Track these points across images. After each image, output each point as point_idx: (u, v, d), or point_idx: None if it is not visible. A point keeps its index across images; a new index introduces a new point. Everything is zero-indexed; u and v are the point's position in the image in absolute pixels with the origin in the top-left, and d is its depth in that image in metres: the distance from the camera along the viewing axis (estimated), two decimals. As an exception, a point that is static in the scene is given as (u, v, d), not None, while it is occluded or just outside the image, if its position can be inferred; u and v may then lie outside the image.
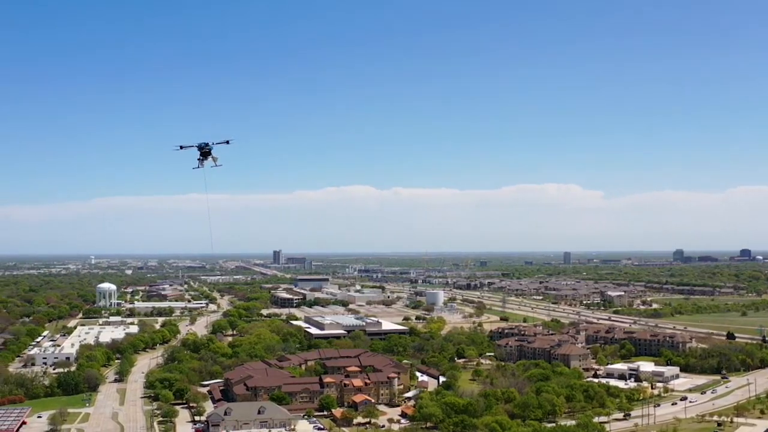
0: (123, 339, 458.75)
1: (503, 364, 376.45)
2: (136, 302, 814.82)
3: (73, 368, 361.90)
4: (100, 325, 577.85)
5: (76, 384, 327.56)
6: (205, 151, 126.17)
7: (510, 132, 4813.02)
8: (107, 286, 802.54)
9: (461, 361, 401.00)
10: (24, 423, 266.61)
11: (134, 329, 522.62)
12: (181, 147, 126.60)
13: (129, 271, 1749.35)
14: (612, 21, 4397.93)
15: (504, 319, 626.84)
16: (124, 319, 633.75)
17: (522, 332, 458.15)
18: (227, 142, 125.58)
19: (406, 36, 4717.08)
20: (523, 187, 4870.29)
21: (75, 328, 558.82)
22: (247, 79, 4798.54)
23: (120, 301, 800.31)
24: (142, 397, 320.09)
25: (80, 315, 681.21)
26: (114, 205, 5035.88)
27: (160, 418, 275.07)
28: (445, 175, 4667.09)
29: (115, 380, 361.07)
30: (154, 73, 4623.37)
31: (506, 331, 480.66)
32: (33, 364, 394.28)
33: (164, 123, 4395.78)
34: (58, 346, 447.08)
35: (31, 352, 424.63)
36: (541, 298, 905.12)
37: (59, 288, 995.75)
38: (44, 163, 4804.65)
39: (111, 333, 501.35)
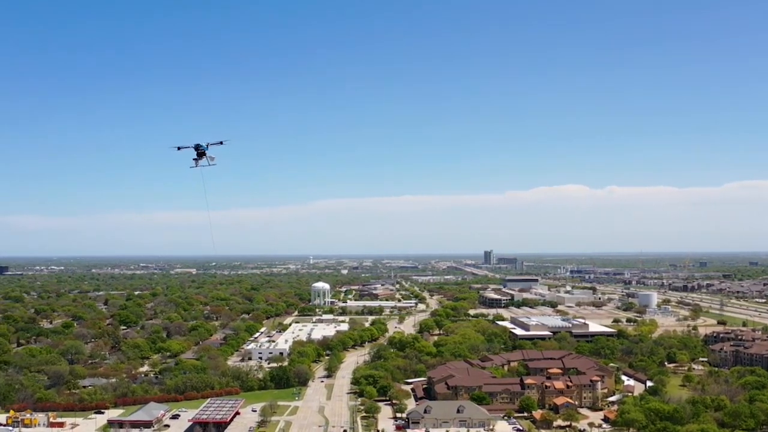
0: (333, 336, 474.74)
1: (716, 370, 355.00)
2: (348, 301, 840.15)
3: (285, 363, 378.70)
4: (313, 322, 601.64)
5: (287, 378, 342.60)
6: (200, 152, 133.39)
7: (737, 123, 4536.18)
8: (321, 285, 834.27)
9: (671, 365, 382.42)
10: (237, 413, 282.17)
11: (344, 327, 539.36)
12: (179, 148, 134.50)
13: (345, 271, 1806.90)
14: None
15: (721, 322, 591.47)
16: (336, 317, 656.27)
17: (739, 337, 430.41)
18: (221, 143, 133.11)
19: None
20: (749, 184, 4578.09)
21: (290, 325, 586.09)
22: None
23: (333, 300, 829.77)
24: (347, 393, 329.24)
25: (296, 313, 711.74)
26: (330, 208, 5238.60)
27: (363, 414, 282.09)
28: (663, 173, 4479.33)
29: (324, 376, 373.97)
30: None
31: (722, 335, 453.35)
32: (249, 359, 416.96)
33: (375, 129, 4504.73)
34: (273, 342, 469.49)
35: (249, 347, 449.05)
36: (764, 301, 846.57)
37: (278, 287, 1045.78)
38: (263, 170, 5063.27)
39: (323, 330, 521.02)
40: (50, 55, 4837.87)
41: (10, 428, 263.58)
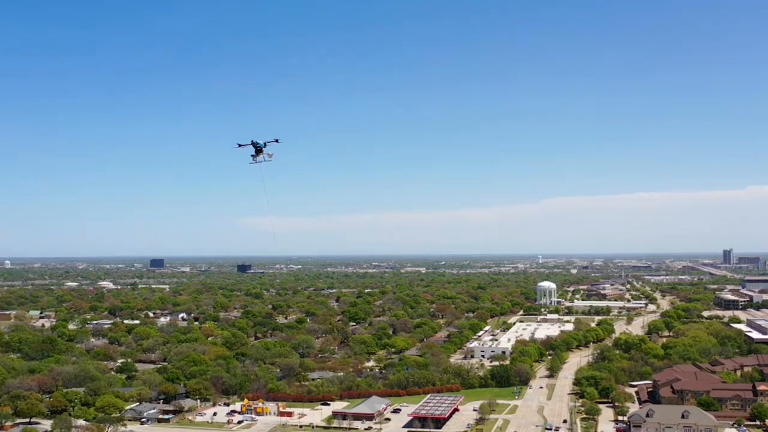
0: (557, 336, 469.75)
1: None
2: (575, 301, 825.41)
3: (507, 362, 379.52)
4: (537, 322, 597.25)
5: (508, 377, 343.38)
6: (257, 149, 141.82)
7: None
8: (547, 284, 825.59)
9: None
10: (456, 410, 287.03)
11: (569, 327, 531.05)
12: (239, 145, 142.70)
13: (574, 271, 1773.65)
14: None
15: None
16: (561, 317, 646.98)
17: None
18: (276, 141, 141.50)
19: None
20: None
21: (514, 324, 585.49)
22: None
23: (560, 300, 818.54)
24: (569, 394, 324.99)
25: (521, 312, 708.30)
26: (562, 206, 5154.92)
27: (583, 415, 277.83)
28: None
29: (546, 375, 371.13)
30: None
31: None
32: (472, 356, 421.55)
33: (610, 125, 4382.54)
34: (496, 340, 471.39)
35: (471, 345, 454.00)
36: None
37: (505, 286, 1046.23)
38: (494, 170, 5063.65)
39: (546, 330, 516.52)
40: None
41: (245, 415, 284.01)
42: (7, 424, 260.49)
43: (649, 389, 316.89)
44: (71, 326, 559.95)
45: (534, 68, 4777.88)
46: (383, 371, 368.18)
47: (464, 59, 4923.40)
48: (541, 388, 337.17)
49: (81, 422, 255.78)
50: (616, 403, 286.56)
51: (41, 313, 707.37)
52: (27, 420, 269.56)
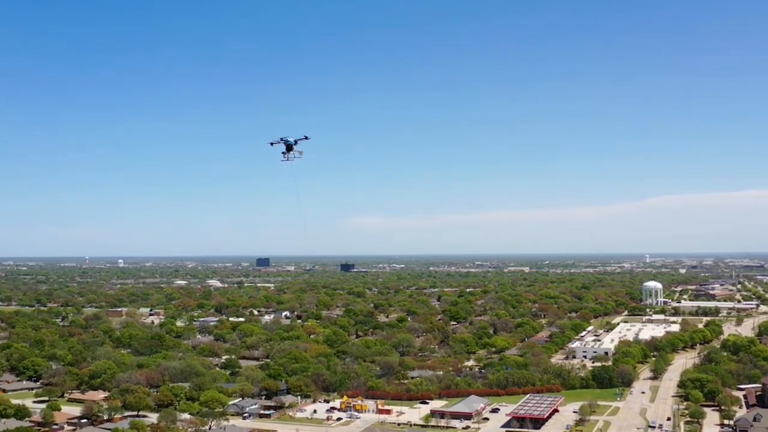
0: (662, 337, 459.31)
1: None
2: (682, 301, 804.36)
3: (609, 363, 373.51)
4: (642, 322, 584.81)
5: (610, 378, 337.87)
6: (288, 146, 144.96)
7: None
8: (653, 284, 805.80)
9: None
10: (556, 411, 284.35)
11: (675, 328, 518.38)
12: (272, 143, 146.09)
13: (682, 270, 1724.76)
14: None
15: None
16: (668, 317, 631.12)
17: None
18: (306, 138, 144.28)
19: None
20: None
21: (618, 324, 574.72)
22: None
23: (666, 300, 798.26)
24: (673, 396, 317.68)
25: (625, 312, 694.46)
26: (669, 204, 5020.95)
27: (687, 418, 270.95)
28: None
29: (650, 377, 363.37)
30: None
31: None
32: (573, 357, 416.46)
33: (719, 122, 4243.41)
34: (599, 341, 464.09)
35: (573, 345, 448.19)
36: None
37: (610, 286, 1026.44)
38: (597, 169, 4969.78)
39: (651, 331, 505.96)
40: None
41: (346, 412, 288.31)
42: (116, 416, 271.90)
43: (757, 393, 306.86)
44: (179, 323, 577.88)
45: (648, 67, 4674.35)
46: (483, 370, 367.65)
47: (575, 54, 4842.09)
48: (644, 392, 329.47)
49: (185, 416, 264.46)
50: (723, 407, 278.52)
51: (151, 310, 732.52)
52: (135, 413, 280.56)
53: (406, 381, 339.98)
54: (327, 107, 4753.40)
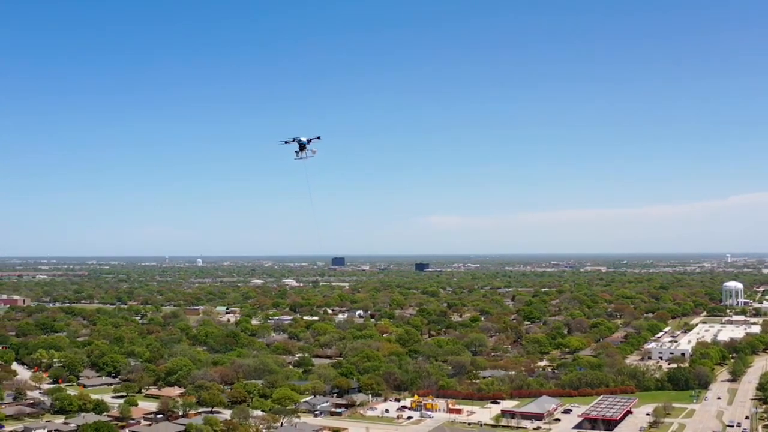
0: (742, 338, 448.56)
1: None
2: (764, 302, 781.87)
3: (685, 364, 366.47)
4: (721, 323, 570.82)
5: (686, 380, 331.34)
6: (301, 145, 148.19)
7: None
8: (733, 284, 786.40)
9: None
10: (629, 412, 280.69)
11: (756, 329, 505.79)
12: (286, 142, 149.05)
13: (765, 270, 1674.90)
14: None
15: None
16: (748, 318, 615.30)
17: None
18: (318, 138, 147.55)
19: None
20: None
21: (696, 325, 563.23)
22: None
23: (747, 300, 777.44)
24: (751, 399, 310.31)
25: (704, 313, 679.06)
26: (752, 202, 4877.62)
27: (766, 422, 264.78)
28: None
29: (728, 380, 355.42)
30: None
31: None
32: (649, 358, 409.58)
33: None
34: (676, 342, 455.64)
35: (649, 346, 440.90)
36: None
37: (689, 286, 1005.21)
38: (676, 167, 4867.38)
39: (731, 332, 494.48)
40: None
41: (414, 411, 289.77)
42: (191, 412, 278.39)
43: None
44: (254, 321, 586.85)
45: (729, 68, 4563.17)
46: (555, 371, 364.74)
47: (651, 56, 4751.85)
48: (720, 396, 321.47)
49: (258, 413, 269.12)
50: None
51: (227, 308, 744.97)
52: (209, 409, 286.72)
53: (477, 381, 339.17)
54: (412, 108, 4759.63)
